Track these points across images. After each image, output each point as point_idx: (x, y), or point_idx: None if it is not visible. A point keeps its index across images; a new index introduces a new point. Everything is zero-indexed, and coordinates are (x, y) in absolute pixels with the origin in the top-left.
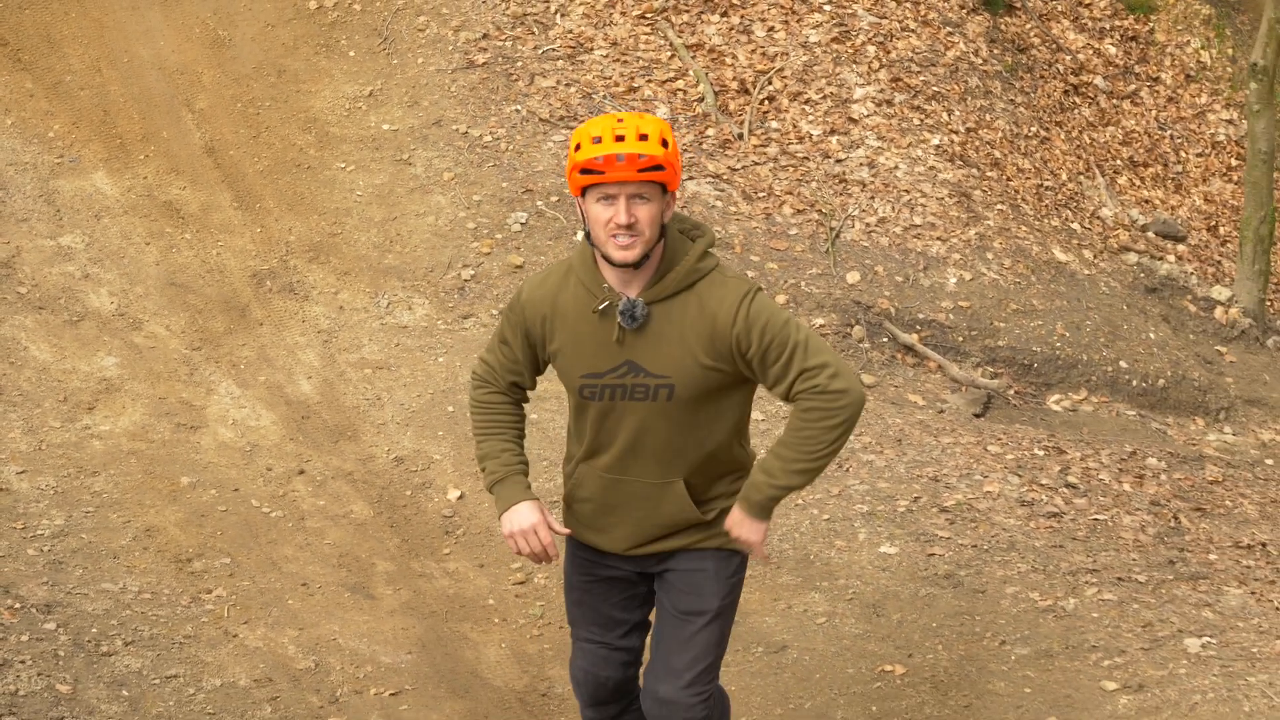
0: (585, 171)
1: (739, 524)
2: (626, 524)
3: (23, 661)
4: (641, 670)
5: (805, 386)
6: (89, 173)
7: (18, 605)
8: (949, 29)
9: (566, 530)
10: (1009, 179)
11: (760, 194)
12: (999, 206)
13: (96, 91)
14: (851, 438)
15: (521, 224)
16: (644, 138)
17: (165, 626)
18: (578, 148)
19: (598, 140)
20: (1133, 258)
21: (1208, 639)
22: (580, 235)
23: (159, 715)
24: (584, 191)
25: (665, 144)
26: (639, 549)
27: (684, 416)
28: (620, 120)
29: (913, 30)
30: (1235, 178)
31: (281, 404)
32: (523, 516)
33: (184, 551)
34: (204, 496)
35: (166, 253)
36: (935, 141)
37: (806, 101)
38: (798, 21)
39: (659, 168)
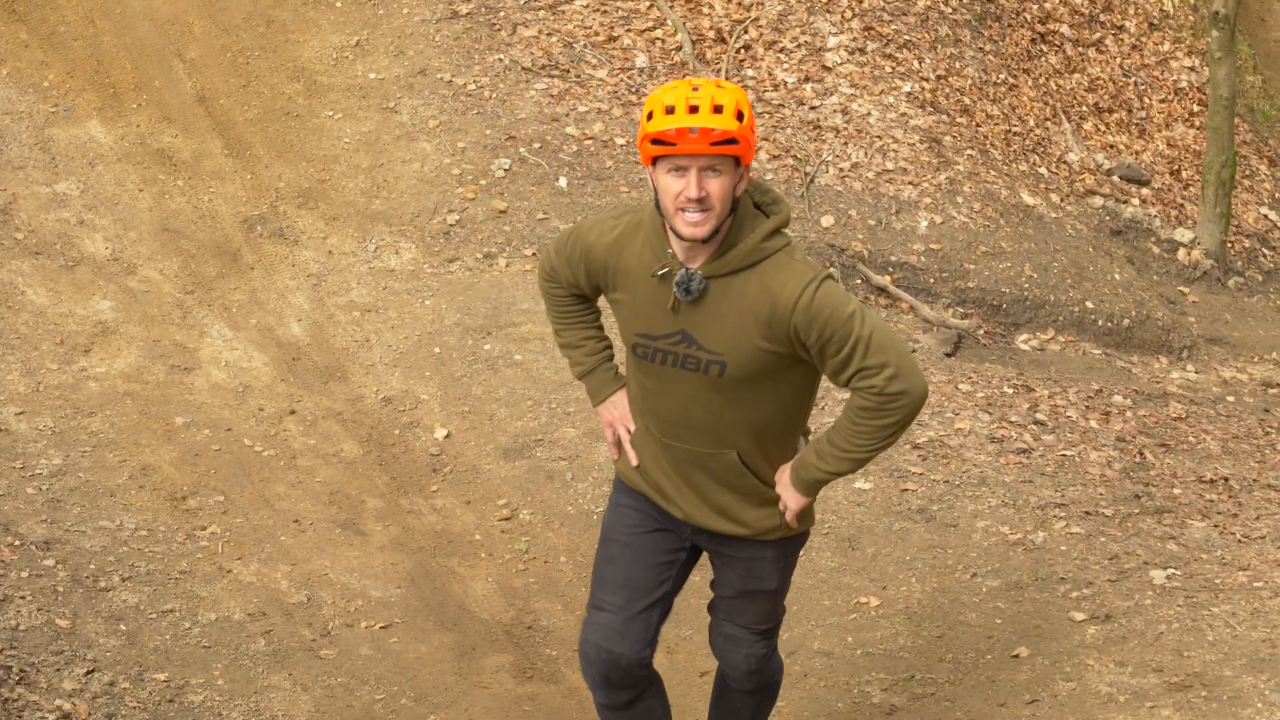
0: (656, 142)
1: (784, 487)
2: (686, 491)
3: (23, 597)
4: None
5: (862, 385)
6: (83, 121)
7: (17, 542)
8: None
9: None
10: (978, 125)
11: None
12: (968, 152)
13: (90, 42)
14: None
15: (505, 170)
16: (718, 109)
17: (161, 562)
18: (650, 116)
19: (670, 110)
20: (1098, 201)
21: (1172, 571)
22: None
23: (156, 648)
24: (654, 161)
25: (741, 116)
26: (699, 520)
27: (736, 393)
28: (696, 89)
29: None
30: (1197, 123)
31: (272, 346)
32: (616, 407)
33: (179, 490)
34: (198, 436)
35: (159, 199)
36: (906, 89)
37: (781, 50)
38: None
39: (733, 141)
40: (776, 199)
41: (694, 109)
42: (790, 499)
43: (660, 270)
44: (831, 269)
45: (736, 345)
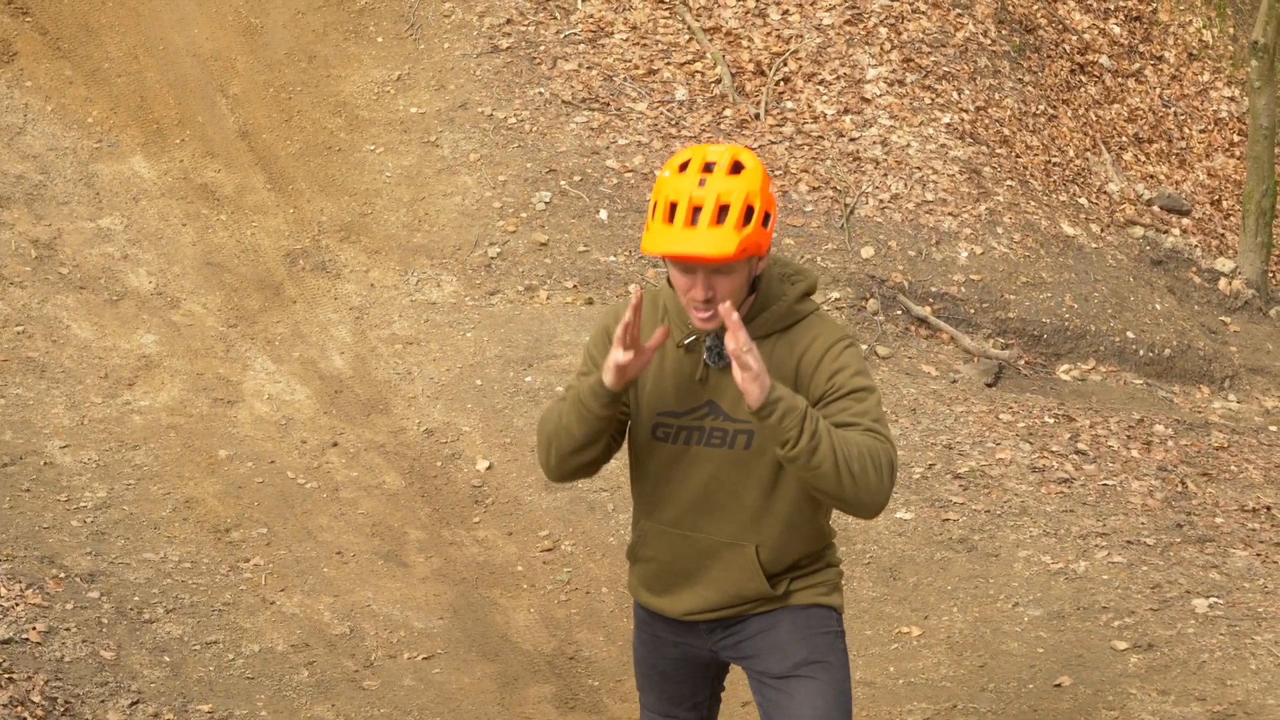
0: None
1: (762, 374)
2: (690, 588)
3: (68, 629)
4: None
5: (860, 433)
6: (127, 157)
7: (62, 575)
8: (958, 10)
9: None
10: (1018, 156)
11: (777, 172)
12: (1008, 182)
13: (133, 78)
14: None
15: (545, 203)
16: (723, 210)
17: (205, 594)
18: (654, 209)
19: (671, 213)
20: (1139, 231)
21: (1215, 599)
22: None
23: (200, 680)
24: None
25: (749, 214)
26: (698, 615)
27: (761, 470)
28: (701, 183)
29: (923, 12)
30: (1237, 153)
31: (315, 379)
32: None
33: (222, 522)
34: (241, 469)
35: (203, 233)
36: (946, 120)
37: (821, 82)
38: (811, 4)
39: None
40: (800, 269)
41: (695, 212)
42: (754, 378)
43: (687, 340)
44: (857, 341)
45: None
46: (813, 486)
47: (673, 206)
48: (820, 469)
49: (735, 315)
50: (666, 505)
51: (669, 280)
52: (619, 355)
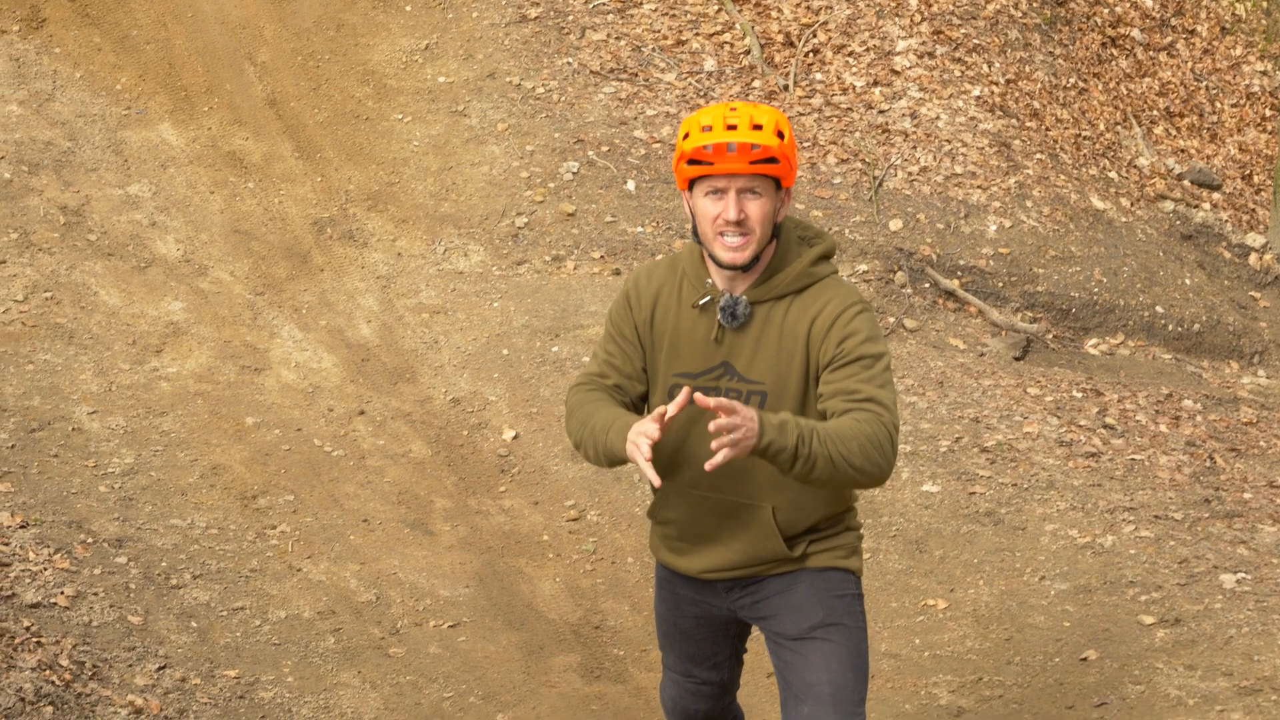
0: (693, 162)
1: (752, 413)
2: (708, 547)
3: (96, 594)
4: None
5: (854, 406)
6: (155, 124)
7: (90, 540)
8: None
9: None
10: (1048, 129)
11: (805, 144)
12: (1038, 156)
13: (162, 45)
14: (895, 380)
15: (573, 173)
16: (758, 127)
17: (232, 561)
18: (686, 136)
19: (707, 129)
20: (1169, 205)
21: (1243, 575)
22: (689, 231)
23: (227, 645)
24: (691, 185)
25: (781, 135)
26: (717, 574)
27: None
28: (734, 109)
29: None
30: (1269, 127)
31: (342, 347)
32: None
33: (249, 489)
34: (268, 436)
35: (230, 201)
36: (976, 92)
37: (850, 54)
38: None
39: (773, 160)
40: (820, 232)
41: (732, 127)
42: (744, 423)
43: (702, 300)
44: (872, 308)
45: (776, 374)
46: (818, 487)
47: (706, 125)
48: (819, 480)
49: (722, 399)
50: (685, 467)
51: (693, 230)
52: (652, 431)
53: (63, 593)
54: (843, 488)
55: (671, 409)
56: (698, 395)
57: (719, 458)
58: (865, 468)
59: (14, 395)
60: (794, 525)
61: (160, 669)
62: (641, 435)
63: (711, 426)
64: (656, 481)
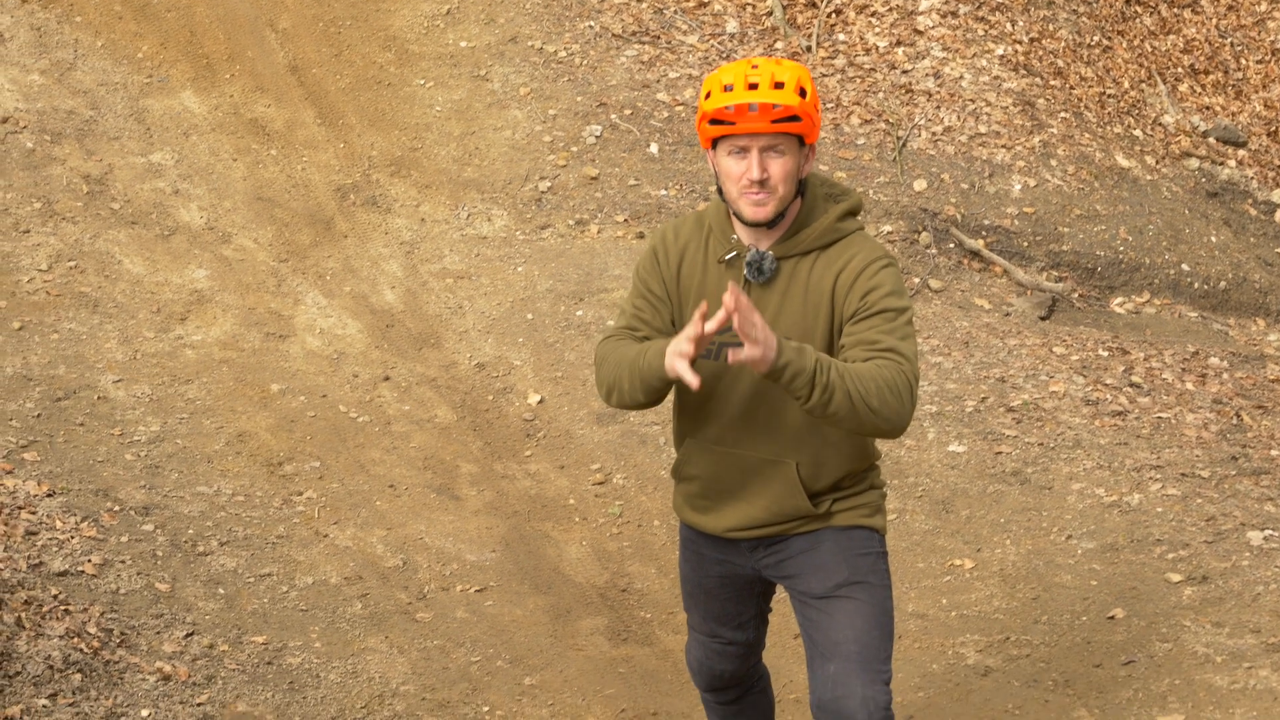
0: (715, 122)
1: (768, 337)
2: (732, 504)
3: (123, 561)
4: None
5: (876, 355)
6: (177, 92)
7: (117, 508)
8: None
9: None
10: (1072, 87)
11: (828, 105)
12: (1062, 114)
13: (183, 13)
14: (920, 341)
15: (596, 137)
16: (779, 85)
17: (258, 527)
18: (708, 96)
19: (729, 88)
20: (1194, 163)
21: (1270, 532)
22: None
23: (254, 611)
24: (714, 144)
25: (803, 93)
26: (741, 532)
27: None
28: (755, 66)
29: None
30: None
31: (366, 313)
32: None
33: (275, 455)
34: (293, 403)
35: (253, 168)
36: (999, 51)
37: (873, 14)
38: None
39: (794, 118)
40: (845, 189)
41: (753, 86)
42: (760, 345)
43: (728, 255)
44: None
45: (803, 328)
46: (834, 425)
47: (728, 85)
48: (837, 415)
49: (745, 298)
50: (709, 422)
51: (718, 190)
52: (685, 346)
53: (90, 561)
54: (861, 432)
55: (696, 318)
56: (727, 295)
57: (741, 355)
58: (882, 411)
59: (39, 364)
60: (817, 480)
61: (188, 636)
62: (683, 339)
63: (722, 313)
64: (695, 383)
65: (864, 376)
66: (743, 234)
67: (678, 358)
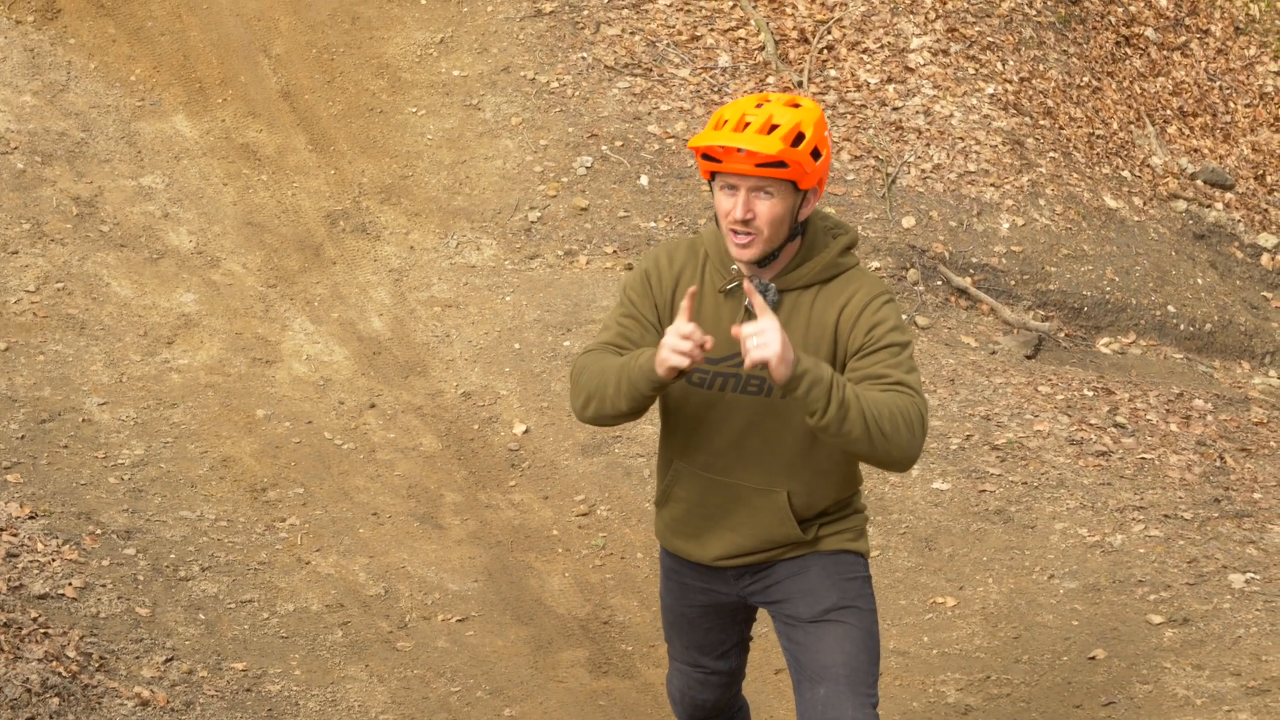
0: (705, 157)
1: (784, 342)
2: (719, 532)
3: (104, 585)
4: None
5: (886, 388)
6: (169, 115)
7: (99, 531)
8: None
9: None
10: (1061, 127)
11: None
12: (1051, 154)
13: (176, 37)
14: None
15: (587, 168)
16: (773, 129)
17: (240, 553)
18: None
19: (722, 125)
20: (1181, 205)
21: (1251, 575)
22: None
23: (234, 638)
24: (712, 175)
25: (799, 139)
26: (728, 560)
27: (799, 419)
28: (760, 105)
29: None
30: None
31: (353, 340)
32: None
33: (259, 481)
34: (278, 428)
35: (243, 193)
36: (990, 90)
37: (864, 51)
38: None
39: (780, 164)
40: (841, 223)
41: (745, 125)
42: (774, 353)
43: (729, 285)
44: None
45: None
46: (846, 448)
47: (724, 120)
48: (851, 434)
49: (759, 298)
50: (700, 449)
51: (715, 220)
52: (679, 342)
53: (71, 584)
54: (871, 458)
55: (684, 307)
56: (746, 283)
57: (754, 357)
58: (894, 438)
59: (25, 386)
60: (809, 509)
61: (167, 661)
62: (674, 335)
63: (732, 331)
64: (707, 343)
65: (878, 402)
66: (743, 264)
67: (673, 354)
